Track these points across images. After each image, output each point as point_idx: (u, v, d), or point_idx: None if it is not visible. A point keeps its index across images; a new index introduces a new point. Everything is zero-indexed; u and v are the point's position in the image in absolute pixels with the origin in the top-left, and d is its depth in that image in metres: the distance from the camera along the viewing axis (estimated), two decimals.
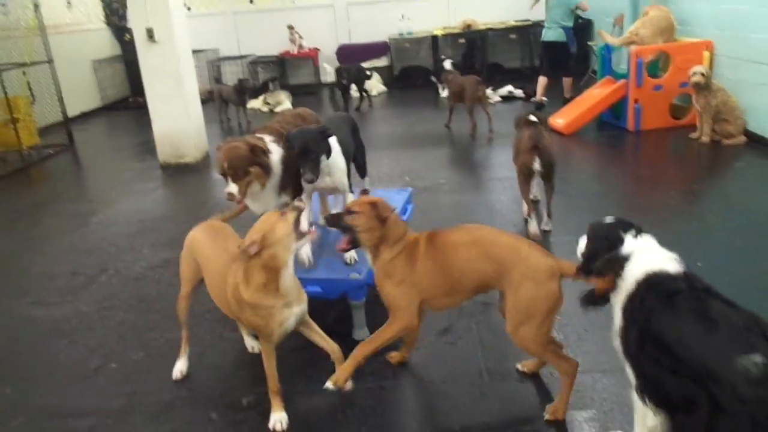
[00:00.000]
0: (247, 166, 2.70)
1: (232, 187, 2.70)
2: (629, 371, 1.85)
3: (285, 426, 2.36)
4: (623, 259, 1.89)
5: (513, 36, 10.58)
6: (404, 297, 2.36)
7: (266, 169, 2.76)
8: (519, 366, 2.63)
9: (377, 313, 3.07)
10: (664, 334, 1.69)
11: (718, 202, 4.49)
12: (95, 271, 4.03)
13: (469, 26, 10.42)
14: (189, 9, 10.92)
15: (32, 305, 3.63)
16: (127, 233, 4.68)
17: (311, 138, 2.68)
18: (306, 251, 2.93)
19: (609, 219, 2.04)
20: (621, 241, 1.93)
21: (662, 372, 1.68)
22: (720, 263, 3.38)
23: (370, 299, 2.95)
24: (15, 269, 4.21)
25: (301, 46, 10.74)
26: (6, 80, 7.18)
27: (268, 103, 9.51)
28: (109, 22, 11.05)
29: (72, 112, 8.60)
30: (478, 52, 10.61)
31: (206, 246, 2.54)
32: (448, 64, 7.81)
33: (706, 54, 6.10)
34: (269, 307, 2.22)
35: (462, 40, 10.48)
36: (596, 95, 6.74)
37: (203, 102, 7.14)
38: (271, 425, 2.37)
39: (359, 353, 2.34)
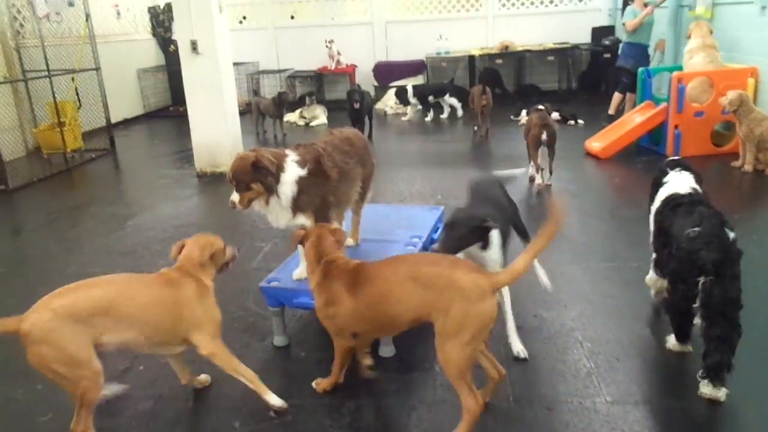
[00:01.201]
0: (248, 180, 2.76)
1: (234, 196, 2.82)
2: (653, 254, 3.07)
3: None
4: (661, 184, 3.02)
5: (551, 58, 10.54)
6: (331, 328, 2.46)
7: (267, 187, 2.78)
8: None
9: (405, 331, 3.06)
10: (668, 228, 2.75)
11: (759, 233, 4.35)
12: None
13: (506, 47, 10.42)
14: (241, 21, 11.23)
15: None
16: (161, 238, 4.77)
17: (465, 234, 2.66)
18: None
19: (674, 158, 3.28)
20: (666, 173, 3.05)
21: (665, 251, 2.79)
22: (763, 295, 3.27)
23: None
24: (52, 268, 4.32)
25: (338, 62, 10.87)
26: (56, 85, 7.45)
27: (304, 117, 9.63)
28: (155, 33, 11.39)
29: (115, 118, 8.86)
30: (513, 73, 10.63)
31: None
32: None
33: (750, 81, 5.97)
34: None
35: (499, 61, 10.48)
36: (635, 120, 6.64)
37: (241, 113, 7.27)
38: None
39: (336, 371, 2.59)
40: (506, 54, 10.45)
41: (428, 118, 9.24)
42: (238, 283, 3.84)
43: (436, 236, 3.81)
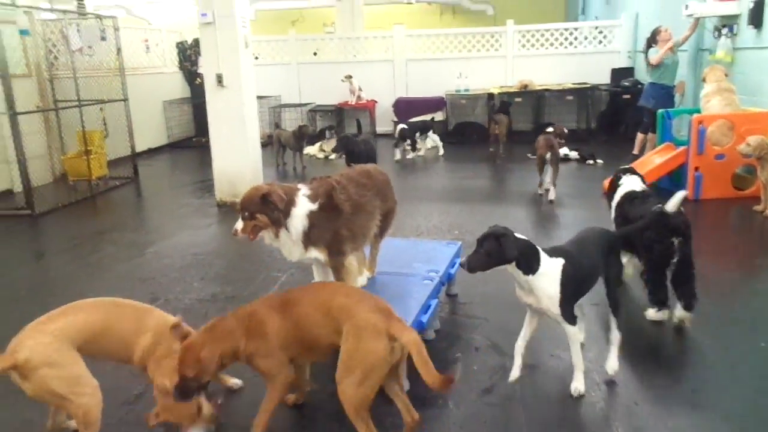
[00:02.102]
0: (255, 210, 2.77)
1: (238, 224, 2.83)
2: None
3: None
4: (618, 186, 3.88)
5: (570, 97, 10.62)
6: (275, 364, 2.40)
7: (273, 220, 2.79)
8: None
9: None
10: (627, 213, 3.64)
11: None
12: (147, 299, 4.12)
13: (525, 86, 10.54)
14: (257, 58, 11.51)
15: None
16: (179, 266, 4.82)
17: (489, 247, 2.56)
18: None
19: (624, 166, 4.09)
20: (620, 177, 3.90)
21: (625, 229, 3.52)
22: None
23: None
24: (73, 292, 4.37)
25: (359, 97, 11.07)
26: (85, 115, 7.68)
27: (323, 150, 9.76)
28: (181, 67, 11.73)
29: (140, 147, 9.06)
30: (531, 111, 10.72)
31: None
32: None
33: None
34: None
35: (518, 99, 10.59)
36: (655, 161, 6.63)
37: (262, 145, 7.40)
38: None
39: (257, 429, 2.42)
40: (525, 92, 10.56)
41: (411, 156, 9.28)
42: None
43: (452, 271, 3.81)
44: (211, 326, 2.36)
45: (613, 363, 2.90)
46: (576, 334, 2.75)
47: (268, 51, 11.93)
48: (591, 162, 8.28)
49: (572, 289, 2.67)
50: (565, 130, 7.21)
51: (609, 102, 10.44)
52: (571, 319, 2.70)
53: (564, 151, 8.67)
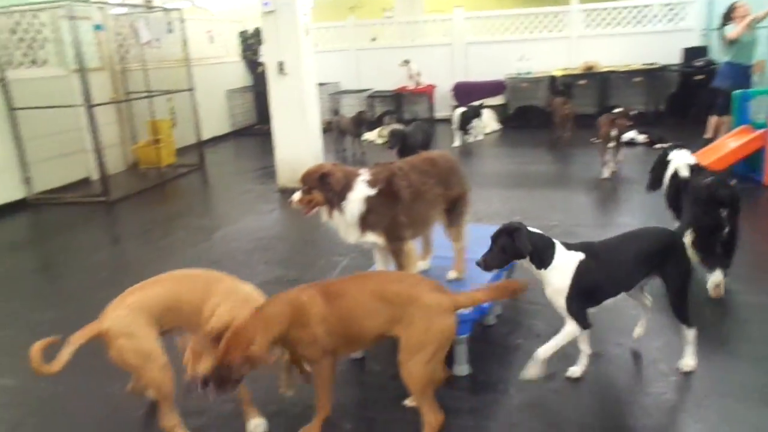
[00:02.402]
0: (312, 186, 2.89)
1: (296, 195, 2.95)
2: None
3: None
4: (667, 161, 4.00)
5: (637, 79, 10.20)
6: (316, 352, 2.32)
7: (327, 199, 2.89)
8: (406, 402, 2.62)
9: (480, 350, 3.04)
10: (683, 185, 3.74)
11: None
12: None
13: (590, 68, 10.19)
14: (316, 45, 11.65)
15: None
16: (245, 249, 4.99)
17: (503, 243, 2.54)
18: None
19: (668, 144, 4.32)
20: (668, 153, 4.02)
21: (675, 204, 3.87)
22: None
23: (475, 336, 2.93)
24: (147, 274, 4.53)
25: (418, 82, 11.02)
26: (154, 105, 8.02)
27: (382, 136, 9.79)
28: (244, 56, 12.00)
29: (205, 135, 9.36)
30: (596, 94, 10.36)
31: None
32: None
33: None
34: None
35: (582, 81, 10.26)
36: (729, 145, 6.30)
37: (322, 132, 7.50)
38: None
39: (321, 409, 2.41)
40: (590, 74, 10.22)
41: (459, 143, 9.11)
42: None
43: None
44: (259, 310, 2.26)
45: (688, 360, 2.79)
46: (571, 334, 2.59)
47: (327, 38, 12.02)
48: (659, 146, 7.95)
49: (586, 287, 2.55)
50: (633, 112, 7.04)
51: (680, 83, 9.95)
52: (580, 318, 2.57)
53: (631, 134, 8.37)
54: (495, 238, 2.57)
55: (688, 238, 3.70)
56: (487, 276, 3.25)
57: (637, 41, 10.53)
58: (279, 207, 6.40)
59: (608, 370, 2.86)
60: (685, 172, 3.81)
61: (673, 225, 3.30)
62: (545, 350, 2.59)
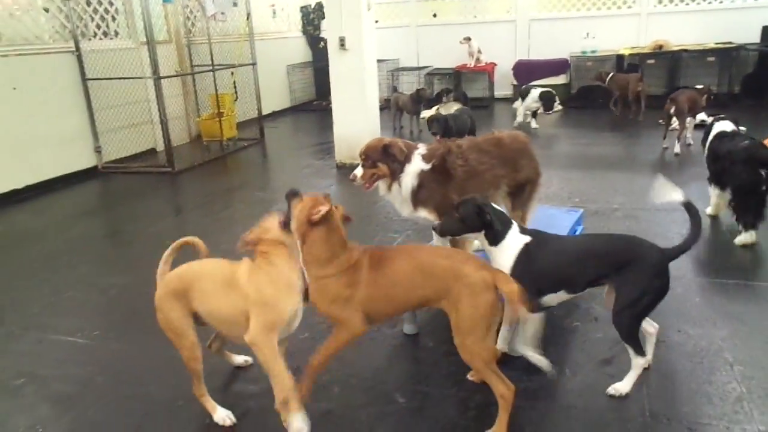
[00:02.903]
0: (375, 158, 2.90)
1: (358, 170, 2.97)
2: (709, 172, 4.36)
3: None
4: (711, 129, 4.45)
5: (711, 59, 9.69)
6: (342, 312, 2.32)
7: (392, 170, 2.90)
8: (468, 376, 2.67)
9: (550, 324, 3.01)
10: (717, 150, 4.20)
11: None
12: None
13: (660, 46, 9.74)
14: (377, 21, 11.60)
15: None
16: None
17: (465, 214, 2.55)
18: None
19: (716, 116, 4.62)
20: (713, 124, 4.48)
21: (715, 166, 4.26)
22: None
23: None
24: (208, 244, 4.71)
25: (478, 60, 10.81)
26: (218, 79, 8.20)
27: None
28: (304, 31, 12.08)
29: (265, 110, 9.52)
30: (666, 74, 9.91)
31: None
32: None
33: None
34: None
35: (651, 61, 9.83)
36: None
37: (380, 109, 7.50)
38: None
39: (312, 368, 2.38)
40: (660, 54, 9.77)
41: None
42: None
43: None
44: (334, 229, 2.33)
45: (621, 386, 2.53)
46: (532, 325, 2.49)
47: (388, 13, 11.94)
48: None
49: (528, 271, 2.45)
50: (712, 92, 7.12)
51: (757, 63, 9.40)
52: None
53: (701, 116, 8.00)
54: (458, 206, 2.58)
55: (723, 200, 4.27)
56: None
57: (713, 18, 9.99)
58: (336, 182, 6.47)
59: (670, 357, 2.78)
60: (726, 128, 4.30)
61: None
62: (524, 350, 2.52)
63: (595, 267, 2.48)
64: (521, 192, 3.20)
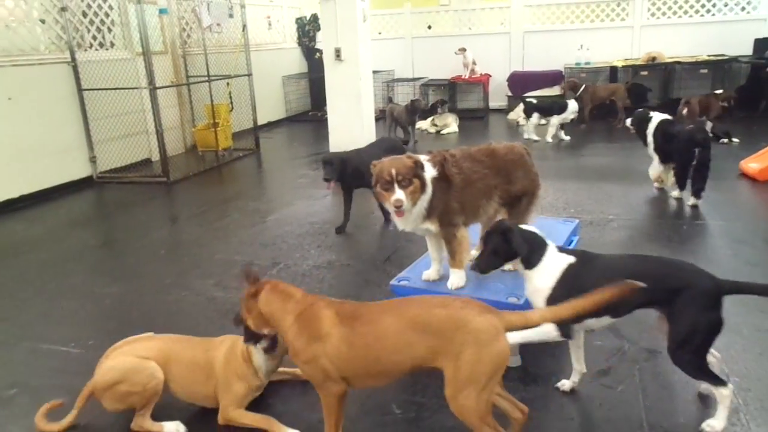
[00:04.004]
0: (411, 176, 2.77)
1: (400, 194, 2.73)
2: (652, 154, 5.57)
3: None
4: (649, 119, 5.53)
5: (704, 71, 9.79)
6: (316, 374, 2.14)
7: (423, 183, 2.83)
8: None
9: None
10: (666, 133, 5.35)
11: None
12: (269, 263, 4.42)
13: (654, 58, 9.84)
14: (380, 33, 11.67)
15: (214, 287, 4.06)
16: (298, 233, 5.07)
17: (496, 243, 2.46)
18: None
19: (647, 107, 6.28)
20: (649, 112, 5.68)
21: (665, 146, 5.38)
22: None
23: None
24: (203, 254, 4.75)
25: (473, 71, 10.88)
26: (213, 89, 8.22)
27: (435, 125, 9.75)
28: (300, 43, 12.14)
29: (261, 120, 9.54)
30: (659, 86, 9.99)
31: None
32: None
33: None
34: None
35: (644, 73, 9.91)
36: None
37: (375, 119, 7.52)
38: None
39: None
40: (653, 66, 9.86)
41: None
42: (368, 281, 3.99)
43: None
44: (275, 286, 2.24)
45: (715, 423, 2.34)
46: (547, 334, 2.37)
47: (383, 25, 12.02)
48: (725, 141, 7.61)
49: (570, 295, 2.20)
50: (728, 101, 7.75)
51: (750, 75, 9.50)
52: (560, 326, 2.36)
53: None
54: (485, 239, 2.50)
55: (665, 173, 5.54)
56: None
57: (705, 31, 10.12)
58: (332, 193, 6.45)
59: (667, 368, 2.77)
60: (667, 117, 5.48)
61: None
62: (512, 336, 2.36)
63: (643, 292, 2.13)
64: (518, 203, 3.19)
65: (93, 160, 7.27)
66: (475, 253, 3.34)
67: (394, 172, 2.75)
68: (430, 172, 2.87)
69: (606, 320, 2.43)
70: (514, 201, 3.17)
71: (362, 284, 3.96)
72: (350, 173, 4.79)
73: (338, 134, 6.93)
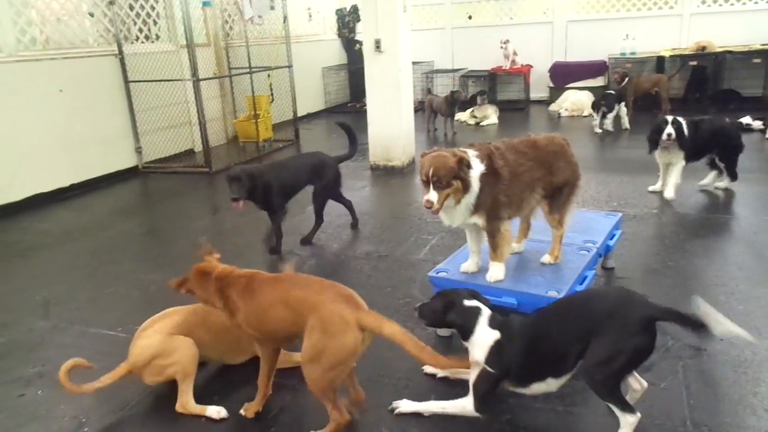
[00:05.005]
0: (451, 177, 2.71)
1: (432, 195, 2.71)
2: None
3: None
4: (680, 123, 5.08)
5: (757, 60, 9.39)
6: (248, 337, 2.46)
7: (466, 184, 2.77)
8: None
9: None
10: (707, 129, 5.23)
11: None
12: (308, 253, 4.48)
13: (703, 48, 9.50)
14: (420, 24, 11.59)
15: None
16: (336, 224, 5.11)
17: (436, 308, 2.49)
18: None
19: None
20: (666, 121, 5.08)
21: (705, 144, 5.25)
22: None
23: None
24: (243, 243, 4.84)
25: (514, 62, 10.72)
26: (254, 81, 8.33)
27: (475, 117, 9.66)
28: (340, 34, 12.17)
29: (300, 112, 9.62)
30: (709, 76, 9.64)
31: None
32: None
33: None
34: None
35: (693, 63, 9.59)
36: None
37: (414, 111, 7.49)
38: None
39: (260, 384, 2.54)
40: (702, 55, 9.52)
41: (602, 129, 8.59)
42: (405, 272, 4.00)
43: (611, 243, 3.64)
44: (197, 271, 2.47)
45: None
46: (464, 410, 2.37)
47: (423, 15, 11.94)
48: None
49: (501, 368, 2.29)
50: None
51: None
52: (481, 400, 2.34)
53: (746, 120, 7.78)
54: (433, 297, 2.58)
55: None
56: (583, 261, 3.16)
57: (759, 19, 9.73)
58: (370, 184, 6.49)
59: (712, 366, 2.71)
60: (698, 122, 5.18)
61: None
62: (428, 406, 2.49)
63: (578, 343, 2.15)
64: (558, 195, 3.14)
65: (139, 150, 7.47)
66: (516, 246, 3.33)
67: (430, 172, 2.71)
68: (478, 169, 2.82)
69: (552, 382, 2.30)
70: (555, 192, 3.13)
71: (399, 275, 3.97)
72: (257, 189, 4.26)
73: (377, 125, 6.92)
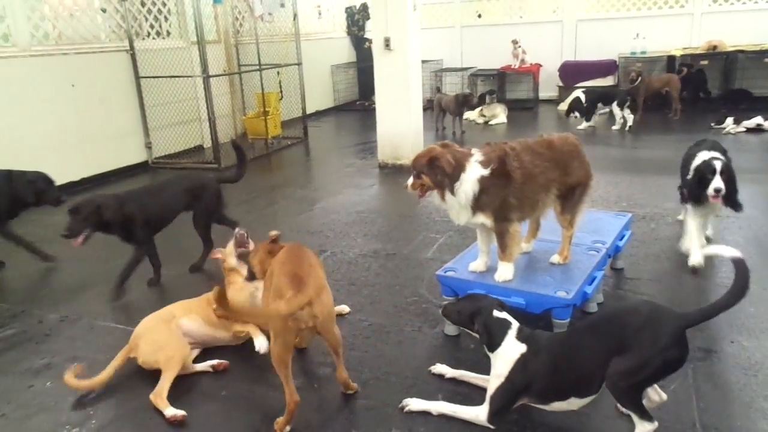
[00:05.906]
0: (422, 172, 2.94)
1: (409, 180, 3.03)
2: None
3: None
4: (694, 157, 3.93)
5: None
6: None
7: (436, 183, 2.91)
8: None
9: None
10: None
11: None
12: (315, 250, 4.42)
13: (715, 47, 9.43)
14: (429, 22, 11.57)
15: None
16: (344, 222, 5.11)
17: (462, 312, 2.53)
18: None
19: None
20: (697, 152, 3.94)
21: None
22: None
23: (575, 321, 2.85)
24: (253, 238, 4.84)
25: (523, 61, 10.68)
26: (264, 78, 8.34)
27: (483, 116, 9.63)
28: (349, 32, 12.17)
29: (309, 109, 9.63)
30: (719, 76, 9.57)
31: None
32: None
33: None
34: None
35: (704, 62, 9.52)
36: None
37: (423, 109, 7.48)
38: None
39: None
40: (713, 54, 9.45)
41: (583, 126, 8.59)
42: (413, 271, 4.00)
43: (620, 244, 3.62)
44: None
45: None
46: (476, 419, 2.38)
47: (432, 14, 11.91)
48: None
49: (523, 383, 2.27)
50: None
51: None
52: (494, 415, 2.33)
53: (757, 120, 7.73)
54: (460, 300, 2.66)
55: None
56: (593, 262, 3.15)
57: None
58: (378, 182, 6.49)
59: (722, 369, 2.69)
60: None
61: None
62: (438, 407, 2.51)
63: (604, 361, 2.12)
64: (571, 195, 3.13)
65: (148, 145, 7.51)
66: (525, 246, 3.32)
67: (411, 161, 3.06)
68: (475, 173, 2.86)
69: (575, 401, 2.27)
70: (569, 193, 3.12)
71: (407, 274, 3.97)
72: (119, 222, 3.77)
73: (386, 124, 6.91)
